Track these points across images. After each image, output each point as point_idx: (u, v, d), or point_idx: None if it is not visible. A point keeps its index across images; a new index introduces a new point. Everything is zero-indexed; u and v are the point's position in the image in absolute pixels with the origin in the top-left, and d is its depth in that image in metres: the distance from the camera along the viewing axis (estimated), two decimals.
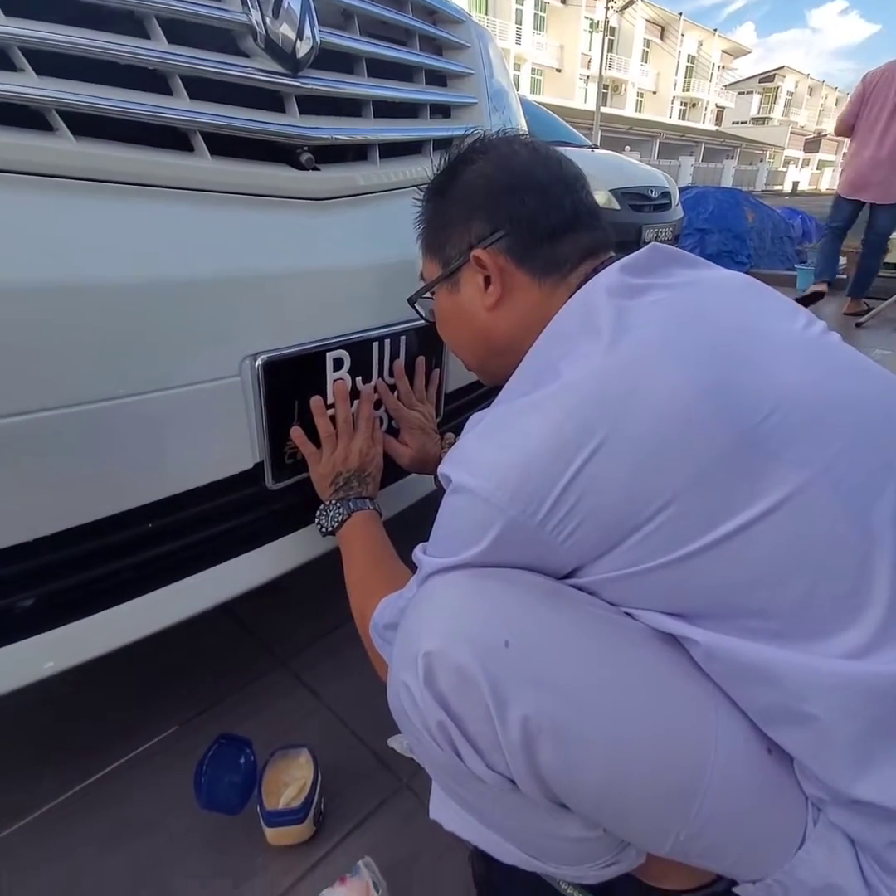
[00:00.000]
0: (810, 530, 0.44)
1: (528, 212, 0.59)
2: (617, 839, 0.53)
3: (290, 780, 0.79)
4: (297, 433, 0.79)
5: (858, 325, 3.52)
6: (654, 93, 43.82)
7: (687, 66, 46.42)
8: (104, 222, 0.61)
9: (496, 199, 0.60)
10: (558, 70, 35.75)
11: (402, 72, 0.92)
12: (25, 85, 0.56)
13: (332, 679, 1.03)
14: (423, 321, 0.77)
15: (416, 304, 0.74)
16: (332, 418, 0.82)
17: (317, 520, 0.82)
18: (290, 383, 0.76)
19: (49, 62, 0.57)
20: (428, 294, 0.70)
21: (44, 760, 0.89)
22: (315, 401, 0.79)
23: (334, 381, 0.81)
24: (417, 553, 0.56)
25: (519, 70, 32.05)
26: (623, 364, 0.47)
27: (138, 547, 0.71)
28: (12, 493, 0.59)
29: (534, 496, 0.45)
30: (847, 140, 3.53)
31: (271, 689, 1.02)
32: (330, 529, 0.80)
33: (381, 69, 0.87)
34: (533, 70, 33.98)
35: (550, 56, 34.79)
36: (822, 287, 3.91)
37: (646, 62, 42.09)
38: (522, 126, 1.29)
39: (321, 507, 0.82)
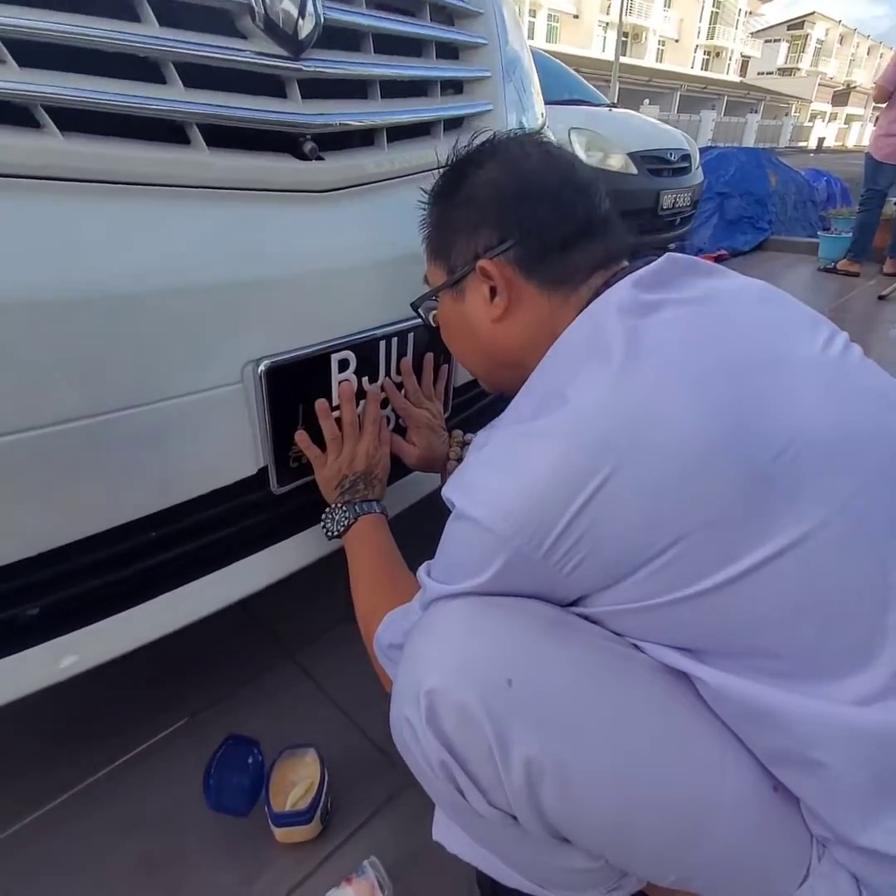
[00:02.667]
0: (824, 572, 0.42)
1: (539, 221, 0.55)
2: (618, 867, 0.53)
3: (298, 779, 0.80)
4: (301, 437, 0.77)
5: (881, 297, 3.42)
6: (676, 41, 41.83)
7: (712, 12, 44.17)
8: (95, 226, 0.58)
9: (505, 207, 0.57)
10: (576, 16, 34.09)
11: (411, 46, 0.86)
12: (8, 79, 0.52)
13: (339, 674, 1.04)
14: (433, 328, 0.74)
15: (419, 310, 0.71)
16: (338, 420, 0.80)
17: (322, 523, 0.80)
18: (293, 388, 0.74)
19: (32, 53, 0.53)
20: (432, 299, 0.67)
21: (57, 752, 0.91)
22: (320, 404, 0.77)
23: (340, 382, 0.78)
24: (422, 575, 0.55)
25: (534, 16, 30.61)
26: (633, 394, 0.44)
27: (147, 553, 0.70)
28: (19, 509, 0.58)
29: (538, 528, 0.44)
30: (874, 98, 3.40)
31: (279, 683, 1.03)
32: (336, 533, 0.79)
33: (388, 44, 0.81)
34: (550, 16, 32.43)
35: (568, 1, 33.11)
36: (857, 268, 3.80)
37: (668, 8, 40.05)
38: (537, 90, 1.22)
39: (327, 510, 0.80)
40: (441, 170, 0.64)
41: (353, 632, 0.71)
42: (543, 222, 0.56)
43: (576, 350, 0.50)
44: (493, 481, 0.47)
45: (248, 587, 0.81)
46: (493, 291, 0.58)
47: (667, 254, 0.54)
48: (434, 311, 0.69)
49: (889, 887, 0.46)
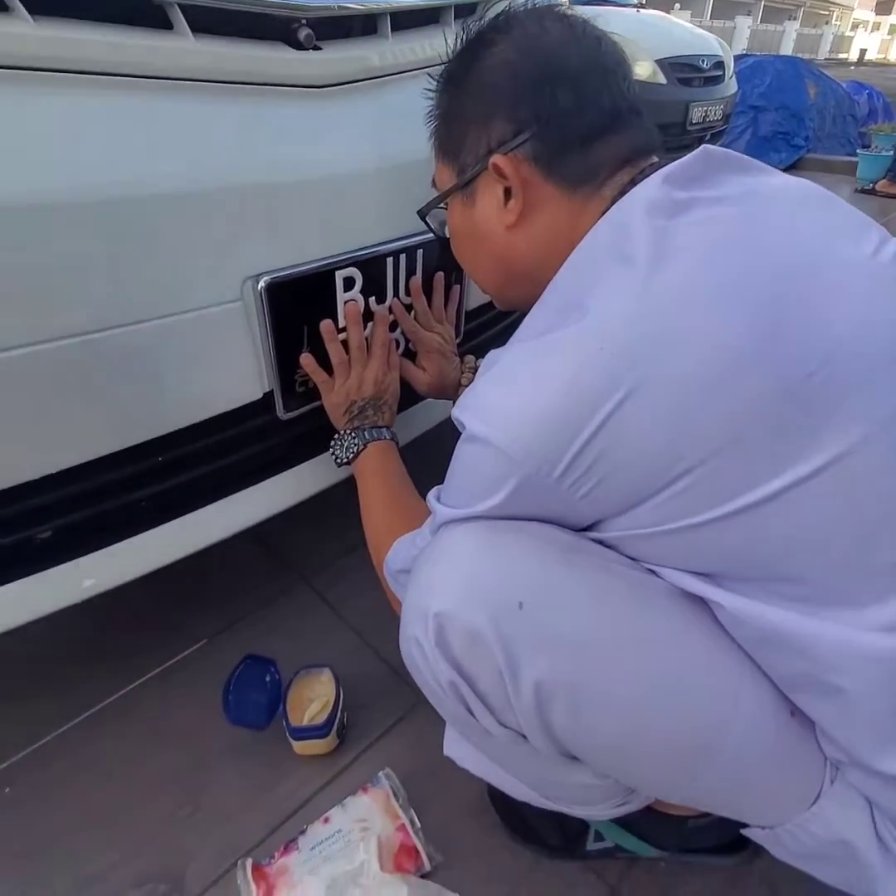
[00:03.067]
0: (861, 493, 0.40)
1: (559, 110, 0.49)
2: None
3: (314, 696, 0.82)
4: (307, 360, 0.74)
5: None
6: None
7: None
8: (67, 121, 0.53)
9: (521, 94, 0.50)
10: None
11: None
12: None
13: (353, 596, 1.06)
14: (442, 238, 0.69)
15: (427, 218, 0.65)
16: (345, 343, 0.77)
17: (331, 450, 0.79)
18: (296, 306, 0.70)
19: None
20: (441, 205, 0.62)
21: (81, 672, 0.94)
22: (325, 325, 0.74)
23: (345, 302, 0.75)
24: (431, 499, 0.53)
25: None
26: (659, 304, 0.40)
27: (155, 479, 0.70)
28: (20, 428, 0.57)
29: (552, 451, 0.42)
30: None
31: (294, 606, 1.05)
32: (345, 460, 0.78)
33: None
34: None
35: None
36: None
37: None
38: None
39: (335, 436, 0.79)
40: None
41: (365, 558, 0.71)
42: (564, 111, 0.49)
43: (598, 255, 0.46)
44: (504, 400, 0.44)
45: (258, 514, 0.80)
46: (507, 193, 0.53)
47: (702, 146, 0.48)
48: (444, 220, 0.64)
49: None
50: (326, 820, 0.72)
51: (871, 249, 0.44)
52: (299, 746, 0.80)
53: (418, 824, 0.71)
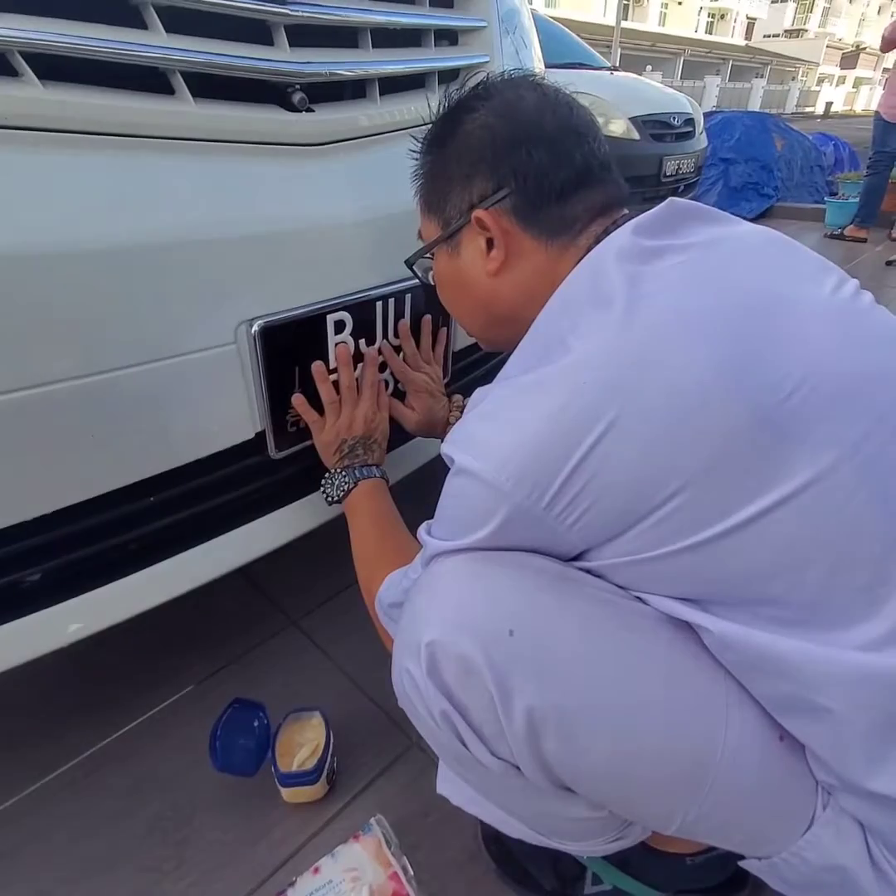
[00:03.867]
0: (833, 516, 0.41)
1: (536, 167, 0.53)
2: (622, 817, 0.54)
3: (304, 741, 0.80)
4: (299, 400, 0.76)
5: (889, 263, 3.36)
6: (680, 3, 40.61)
7: None
8: (76, 179, 0.56)
9: (500, 154, 0.54)
10: None
11: None
12: None
13: (343, 638, 1.05)
14: (429, 286, 0.72)
15: (414, 267, 0.69)
16: (336, 384, 0.79)
17: (322, 489, 0.80)
18: (289, 349, 0.72)
19: None
20: (427, 255, 0.65)
21: (65, 718, 0.92)
22: (316, 366, 0.76)
23: (336, 344, 0.77)
24: (422, 533, 0.54)
25: None
26: (635, 341, 0.43)
27: (147, 519, 0.70)
28: (14, 471, 0.58)
29: (539, 480, 0.43)
30: (887, 55, 3.30)
31: (283, 649, 1.04)
32: (336, 498, 0.79)
33: None
34: None
35: None
36: (864, 233, 3.73)
37: None
38: (536, 48, 1.18)
39: (326, 475, 0.80)
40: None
41: (355, 598, 0.71)
42: (540, 169, 0.54)
43: (576, 298, 0.49)
44: (491, 434, 0.46)
45: (249, 554, 0.80)
46: (489, 244, 0.57)
47: (669, 199, 0.52)
48: (430, 269, 0.67)
49: (894, 831, 0.45)
50: (316, 870, 0.70)
51: (831, 288, 0.47)
52: (288, 793, 0.78)
53: (411, 872, 0.69)
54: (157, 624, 0.98)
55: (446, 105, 0.60)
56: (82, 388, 0.57)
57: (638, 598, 0.49)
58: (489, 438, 0.46)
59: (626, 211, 0.56)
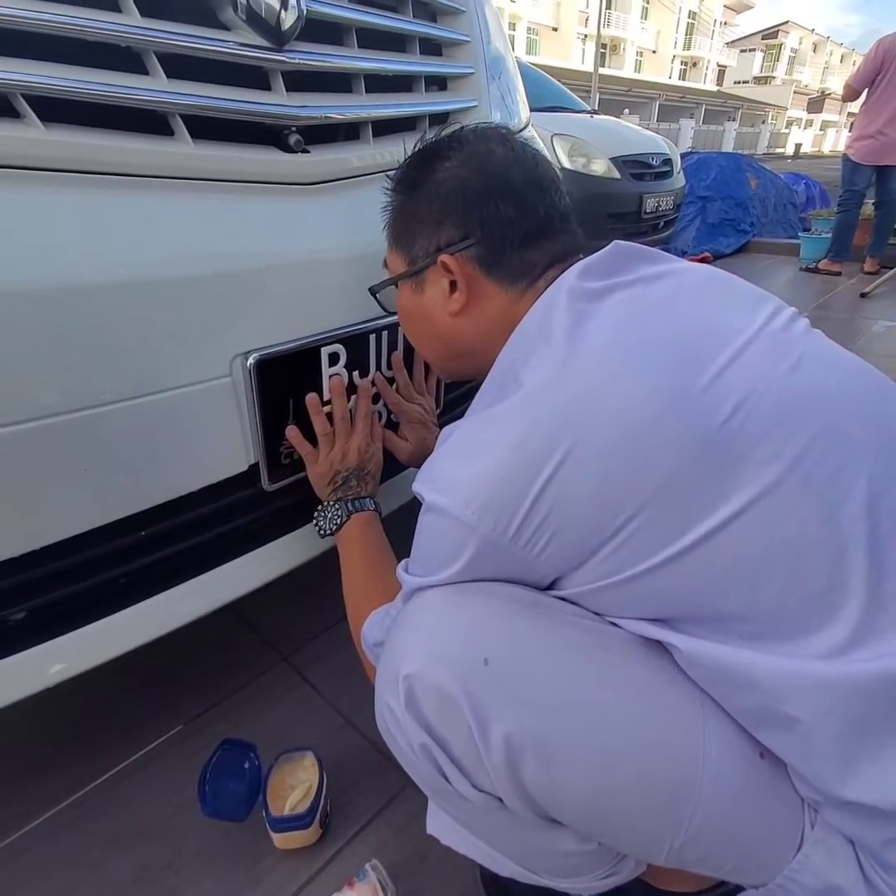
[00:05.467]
0: (781, 529, 0.43)
1: (502, 219, 0.56)
2: (613, 851, 0.53)
3: (296, 783, 0.78)
4: (293, 433, 0.76)
5: (863, 295, 3.47)
6: (654, 52, 42.57)
7: (688, 23, 45.06)
8: (77, 217, 0.57)
9: (469, 205, 0.57)
10: (555, 29, 34.64)
11: (395, 41, 0.87)
12: None
13: (335, 675, 1.02)
14: (391, 314, 0.74)
15: (378, 295, 0.71)
16: (329, 415, 0.79)
17: (315, 521, 0.79)
18: (283, 381, 0.73)
19: (12, 42, 0.52)
20: (392, 285, 0.68)
21: (49, 763, 0.88)
22: (311, 398, 0.76)
23: (330, 376, 0.78)
24: (400, 571, 0.56)
25: (514, 29, 31.05)
26: (580, 373, 0.46)
27: (136, 554, 0.69)
28: (6, 506, 0.57)
29: (503, 512, 0.45)
30: (843, 98, 3.52)
31: (274, 686, 1.01)
32: (329, 531, 0.78)
33: (372, 39, 0.81)
34: (529, 29, 32.92)
35: (547, 14, 33.68)
36: (838, 267, 3.87)
37: (645, 19, 40.79)
38: (521, 93, 1.23)
39: (319, 507, 0.79)
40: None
41: (348, 633, 0.70)
42: (506, 221, 0.57)
43: (529, 336, 0.52)
44: (454, 469, 0.48)
45: (240, 588, 0.79)
46: (452, 285, 0.59)
47: (614, 242, 0.55)
48: (393, 298, 0.69)
49: (881, 844, 0.45)
50: None
51: (766, 316, 0.50)
52: (280, 839, 0.75)
53: None
54: (142, 661, 0.96)
55: (419, 150, 0.63)
56: (78, 422, 0.57)
57: (612, 622, 0.50)
58: (454, 474, 0.48)
59: (581, 257, 0.59)
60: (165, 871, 0.75)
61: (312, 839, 0.76)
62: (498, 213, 0.56)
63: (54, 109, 0.55)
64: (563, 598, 0.50)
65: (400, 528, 0.83)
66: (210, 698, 0.98)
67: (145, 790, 0.85)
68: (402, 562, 0.56)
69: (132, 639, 0.71)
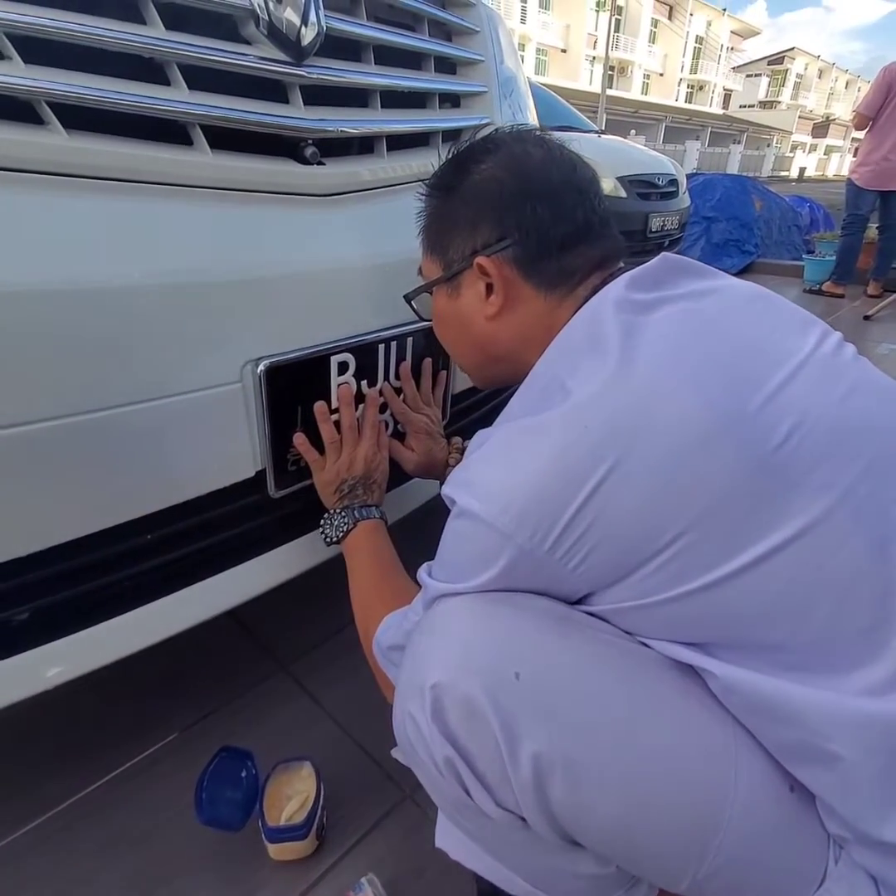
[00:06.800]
0: (831, 560, 0.42)
1: (539, 221, 0.56)
2: (628, 875, 0.52)
3: (293, 793, 0.77)
4: (300, 440, 0.77)
5: (866, 317, 3.48)
6: (661, 75, 43.14)
7: (695, 48, 45.71)
8: (97, 222, 0.58)
9: (506, 206, 0.57)
10: (563, 50, 35.16)
11: (411, 59, 0.88)
12: (13, 74, 0.52)
13: (334, 685, 1.02)
14: (425, 321, 0.74)
15: (412, 302, 0.71)
16: (337, 424, 0.79)
17: (321, 529, 0.79)
18: (292, 389, 0.73)
19: (38, 50, 0.53)
20: (427, 292, 0.67)
21: (44, 767, 0.87)
22: (319, 406, 0.77)
23: (339, 385, 0.78)
24: (422, 574, 0.54)
25: (523, 50, 31.51)
26: (634, 385, 0.44)
27: (141, 557, 0.69)
28: (8, 507, 0.57)
29: (542, 523, 0.44)
30: (854, 125, 3.55)
31: (272, 696, 1.00)
32: (335, 539, 0.78)
33: (389, 56, 0.82)
34: (538, 50, 33.42)
35: (556, 36, 34.20)
36: (841, 290, 3.90)
37: (653, 43, 41.39)
38: (532, 112, 1.25)
39: (325, 515, 0.79)
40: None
41: (348, 643, 0.70)
42: (543, 223, 0.56)
43: (575, 345, 0.51)
44: (492, 475, 0.47)
45: (243, 594, 0.79)
46: (489, 288, 0.58)
47: (662, 254, 0.55)
48: (427, 304, 0.69)
49: None
50: None
51: (815, 341, 0.49)
52: (275, 850, 0.74)
53: None
54: (139, 667, 0.95)
55: (455, 153, 0.62)
56: (88, 424, 0.57)
57: (643, 643, 0.48)
58: (491, 480, 0.46)
59: (622, 264, 0.59)
60: (157, 881, 0.74)
61: (308, 851, 0.75)
62: (535, 215, 0.55)
63: (77, 117, 0.56)
64: (592, 615, 0.48)
65: (405, 537, 0.83)
66: (208, 706, 0.98)
67: (140, 797, 0.84)
68: (425, 565, 0.55)
69: (133, 643, 0.70)
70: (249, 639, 1.12)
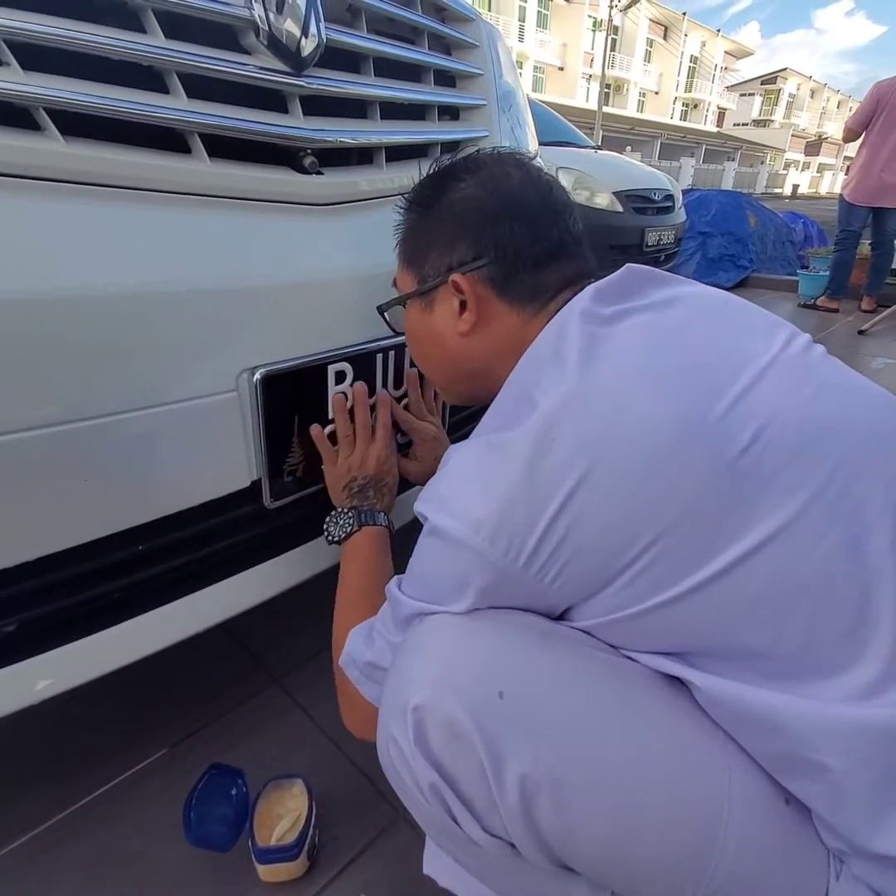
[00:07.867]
0: (805, 562, 0.41)
1: (515, 241, 0.56)
2: None
3: (284, 811, 0.75)
4: (316, 431, 0.76)
5: (861, 332, 3.50)
6: (656, 93, 43.80)
7: (689, 67, 46.47)
8: (94, 229, 0.57)
9: (484, 225, 0.57)
10: (561, 68, 35.69)
11: (410, 72, 0.89)
12: (11, 80, 0.52)
13: (327, 700, 0.98)
14: (398, 333, 0.74)
15: (385, 313, 0.71)
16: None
17: (325, 526, 0.78)
18: (289, 398, 0.72)
19: (37, 57, 0.53)
20: (400, 304, 0.67)
21: (28, 784, 0.85)
22: (336, 398, 0.76)
23: (335, 395, 0.77)
24: (392, 588, 0.53)
25: (521, 68, 31.96)
26: (596, 393, 0.44)
27: (133, 568, 0.68)
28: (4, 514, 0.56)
29: (514, 539, 0.43)
30: (848, 144, 3.60)
31: (264, 710, 0.99)
32: (336, 539, 0.77)
33: (388, 69, 0.83)
34: (535, 68, 33.91)
35: (553, 54, 34.73)
36: (835, 304, 3.93)
37: (648, 62, 42.05)
38: (530, 126, 1.26)
39: (332, 513, 0.78)
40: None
41: None
42: (520, 242, 0.57)
43: (541, 358, 0.51)
44: (465, 491, 0.46)
45: (237, 606, 0.78)
46: (462, 306, 0.59)
47: (626, 264, 0.55)
48: (400, 317, 0.69)
49: None
50: None
51: (782, 342, 0.49)
52: (265, 871, 0.72)
53: None
54: (128, 679, 0.93)
55: (436, 170, 0.63)
56: (81, 432, 0.57)
57: (629, 656, 0.48)
58: (463, 497, 0.46)
59: (593, 280, 0.59)
60: None
61: (299, 872, 0.73)
62: (512, 235, 0.56)
63: (75, 123, 0.56)
64: (575, 629, 0.48)
65: (404, 543, 0.82)
66: (198, 720, 0.96)
67: (127, 815, 0.82)
68: (395, 578, 0.54)
69: (123, 656, 0.69)
70: (242, 650, 1.11)
